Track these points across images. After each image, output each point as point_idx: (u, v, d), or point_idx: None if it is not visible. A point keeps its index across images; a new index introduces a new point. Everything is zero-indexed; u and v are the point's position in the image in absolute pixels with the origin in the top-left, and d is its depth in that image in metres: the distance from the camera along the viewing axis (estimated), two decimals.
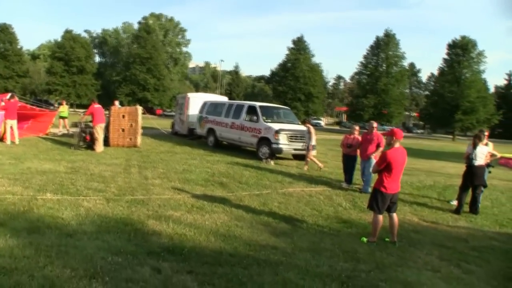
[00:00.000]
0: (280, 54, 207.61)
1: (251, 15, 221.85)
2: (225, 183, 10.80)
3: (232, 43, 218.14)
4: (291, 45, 68.28)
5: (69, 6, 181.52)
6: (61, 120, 22.45)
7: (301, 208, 8.75)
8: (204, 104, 21.14)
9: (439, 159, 24.59)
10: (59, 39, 71.24)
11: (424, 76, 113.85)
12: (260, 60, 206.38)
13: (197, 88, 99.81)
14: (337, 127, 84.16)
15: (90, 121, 15.98)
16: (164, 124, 29.88)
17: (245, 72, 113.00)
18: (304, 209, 8.64)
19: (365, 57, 65.55)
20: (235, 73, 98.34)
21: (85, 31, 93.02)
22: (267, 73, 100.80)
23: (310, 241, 6.48)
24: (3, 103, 15.66)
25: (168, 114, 67.61)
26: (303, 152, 15.55)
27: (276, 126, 15.72)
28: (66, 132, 21.44)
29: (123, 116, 16.78)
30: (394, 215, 6.83)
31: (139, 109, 17.26)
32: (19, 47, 69.94)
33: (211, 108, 20.45)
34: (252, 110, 17.34)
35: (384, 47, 62.66)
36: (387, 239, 6.80)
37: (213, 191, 9.67)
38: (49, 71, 68.25)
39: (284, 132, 15.31)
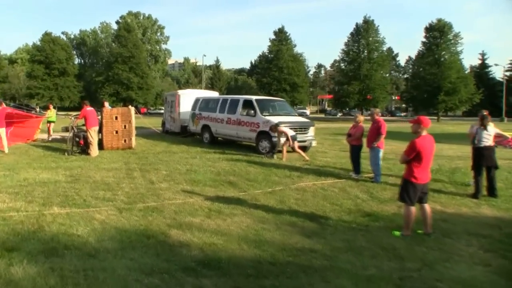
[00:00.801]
0: (258, 46, 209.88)
1: (227, 8, 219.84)
2: (234, 181, 10.40)
3: (209, 37, 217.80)
4: (273, 36, 67.97)
5: (45, 9, 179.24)
6: (48, 125, 21.62)
7: (320, 203, 8.38)
8: (197, 100, 20.67)
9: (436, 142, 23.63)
10: (37, 42, 70.26)
11: (402, 60, 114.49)
12: (239, 53, 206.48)
13: (179, 84, 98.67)
14: (321, 115, 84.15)
15: (83, 125, 15.45)
16: (151, 123, 29.29)
17: (224, 66, 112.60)
18: (323, 204, 8.26)
19: (346, 44, 65.78)
20: (216, 67, 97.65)
21: (63, 32, 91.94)
22: (246, 65, 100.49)
23: (344, 240, 6.10)
24: None
25: (153, 112, 66.96)
26: (305, 144, 15.22)
27: (275, 119, 15.31)
28: (54, 137, 20.79)
29: (116, 118, 16.27)
30: (426, 205, 6.50)
31: (132, 109, 16.75)
32: None
33: (204, 104, 20.00)
34: (248, 104, 16.92)
35: (364, 34, 63.05)
36: (419, 231, 6.45)
37: (225, 192, 9.27)
38: (30, 74, 67.25)
39: (284, 124, 14.88)
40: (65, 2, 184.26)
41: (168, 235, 6.12)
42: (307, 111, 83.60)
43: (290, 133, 14.30)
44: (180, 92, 24.55)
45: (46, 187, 9.21)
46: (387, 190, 9.62)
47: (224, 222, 6.86)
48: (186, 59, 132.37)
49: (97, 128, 15.15)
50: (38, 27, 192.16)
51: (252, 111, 16.32)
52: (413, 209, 6.30)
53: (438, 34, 61.50)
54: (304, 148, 15.23)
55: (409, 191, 6.28)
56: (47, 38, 68.15)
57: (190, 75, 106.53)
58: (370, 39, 62.95)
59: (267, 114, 16.11)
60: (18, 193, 8.49)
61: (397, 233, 6.37)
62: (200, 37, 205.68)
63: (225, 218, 7.10)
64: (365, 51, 63.32)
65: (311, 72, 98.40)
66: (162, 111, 65.22)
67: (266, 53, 69.52)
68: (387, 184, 10.25)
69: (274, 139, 14.86)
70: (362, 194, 9.22)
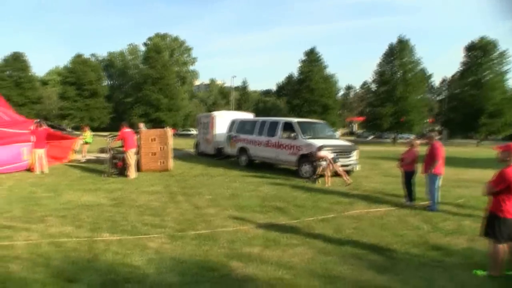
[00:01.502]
0: (284, 67, 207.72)
1: (251, 31, 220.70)
2: (282, 208, 9.94)
3: (235, 59, 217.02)
4: (303, 57, 66.55)
5: (74, 31, 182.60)
6: (85, 146, 21.57)
7: (379, 233, 7.84)
8: (233, 122, 20.37)
9: (483, 167, 21.32)
10: (67, 64, 71.44)
11: (436, 81, 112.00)
12: (264, 74, 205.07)
13: (206, 106, 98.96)
14: (351, 138, 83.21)
15: (121, 146, 15.23)
16: (182, 144, 29.09)
17: (250, 87, 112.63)
18: (384, 235, 7.71)
19: (379, 65, 62.58)
20: (242, 88, 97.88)
21: (92, 55, 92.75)
22: (272, 86, 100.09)
23: (423, 279, 5.56)
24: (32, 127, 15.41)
25: (181, 134, 66.89)
26: (348, 168, 14.74)
27: (317, 142, 14.86)
28: (88, 158, 20.68)
29: (153, 139, 16.04)
30: None
31: (169, 131, 16.49)
32: (30, 74, 69.99)
33: (241, 126, 19.68)
34: (288, 127, 16.51)
35: (398, 54, 59.82)
36: (509, 273, 5.82)
37: (276, 219, 8.81)
38: (62, 96, 68.10)
39: (327, 148, 14.41)
40: (94, 25, 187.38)
41: (230, 268, 5.69)
42: (338, 134, 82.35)
43: (330, 156, 13.84)
44: (215, 113, 24.28)
45: (91, 210, 8.92)
46: (449, 220, 9.01)
47: (284, 253, 6.40)
48: (212, 81, 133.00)
49: (135, 149, 14.91)
50: (67, 50, 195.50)
51: (293, 134, 15.89)
52: (502, 247, 5.70)
53: (481, 53, 58.23)
54: (347, 173, 14.72)
55: (497, 226, 5.65)
56: (78, 60, 69.32)
57: (217, 96, 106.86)
58: (405, 59, 59.53)
59: (309, 137, 15.66)
60: (66, 217, 8.22)
61: (480, 272, 5.76)
62: (225, 59, 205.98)
63: (285, 249, 6.64)
64: (400, 72, 60.04)
65: (340, 94, 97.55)
66: (191, 132, 65.88)
67: (296, 74, 68.44)
68: (446, 213, 9.64)
69: (316, 163, 14.38)
70: (422, 224, 8.63)
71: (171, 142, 16.39)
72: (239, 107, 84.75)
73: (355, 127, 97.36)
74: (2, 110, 16.55)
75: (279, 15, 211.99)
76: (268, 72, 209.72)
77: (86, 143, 21.65)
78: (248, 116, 24.15)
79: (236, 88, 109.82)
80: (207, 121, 24.42)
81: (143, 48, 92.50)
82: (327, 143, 14.79)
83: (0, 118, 15.53)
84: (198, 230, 7.59)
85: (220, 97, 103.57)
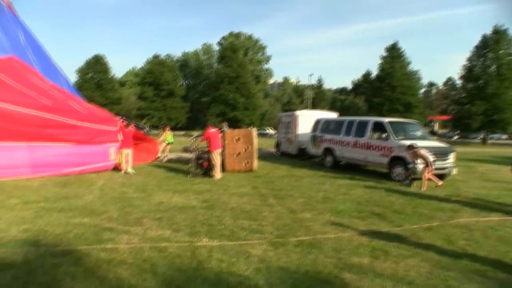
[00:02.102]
0: (358, 64, 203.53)
1: (324, 27, 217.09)
2: (380, 213, 9.32)
3: (307, 57, 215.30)
4: (384, 53, 64.76)
5: (149, 33, 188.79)
6: (167, 146, 21.82)
7: (499, 247, 7.03)
8: (317, 122, 19.85)
9: None
10: (143, 65, 73.38)
11: None
12: (338, 72, 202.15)
13: (281, 104, 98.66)
14: (434, 138, 79.70)
15: (206, 147, 15.13)
16: (261, 144, 28.80)
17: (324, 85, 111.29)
18: (505, 250, 6.90)
19: (469, 59, 57.39)
20: (318, 87, 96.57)
21: (167, 55, 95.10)
22: (346, 84, 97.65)
23: None
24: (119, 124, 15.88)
25: (258, 133, 66.82)
26: (444, 171, 13.85)
27: (410, 143, 14.03)
28: (169, 157, 20.87)
29: (238, 139, 15.82)
30: None
31: (254, 131, 16.21)
32: (110, 76, 72.61)
33: (326, 126, 19.12)
34: (379, 127, 15.75)
35: (493, 46, 53.99)
36: None
37: (377, 225, 8.23)
38: (140, 96, 70.06)
39: (421, 150, 13.58)
40: (168, 26, 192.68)
41: (343, 281, 5.25)
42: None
43: (430, 158, 13.00)
44: (298, 113, 23.75)
45: (185, 213, 8.72)
46: None
47: (398, 266, 5.85)
48: (286, 79, 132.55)
49: (220, 150, 14.73)
50: (143, 51, 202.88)
51: (384, 134, 15.14)
52: None
53: None
54: (441, 177, 13.83)
55: None
56: (156, 60, 71.12)
57: (292, 95, 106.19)
58: (501, 52, 53.74)
59: (401, 137, 14.84)
60: (161, 219, 8.06)
61: None
62: (298, 57, 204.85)
63: (396, 261, 6.08)
64: (493, 66, 54.53)
65: (421, 91, 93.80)
66: (267, 131, 65.84)
67: (376, 71, 66.38)
68: None
69: (410, 165, 13.59)
70: None
71: (256, 142, 16.10)
72: (314, 106, 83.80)
73: (436, 127, 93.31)
74: (87, 106, 16.84)
75: (352, 11, 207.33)
76: (342, 70, 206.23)
77: (168, 143, 21.80)
78: (332, 115, 23.46)
79: (311, 86, 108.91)
80: (289, 120, 24.01)
81: (217, 48, 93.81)
82: (420, 144, 13.89)
83: (91, 114, 15.73)
84: (299, 237, 7.17)
85: (295, 95, 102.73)
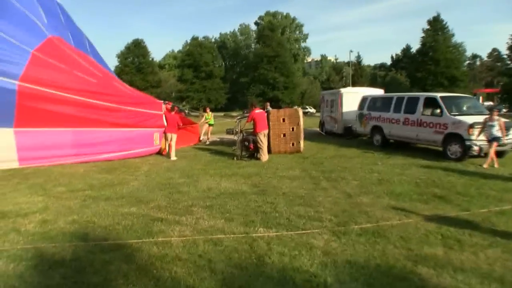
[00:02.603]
0: (396, 39, 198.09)
1: (358, 3, 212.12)
2: (443, 195, 8.62)
3: (343, 34, 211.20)
4: (426, 26, 62.33)
5: (186, 16, 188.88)
6: (209, 128, 21.44)
7: None
8: (364, 99, 19.07)
9: None
10: (181, 48, 73.36)
11: None
12: (376, 48, 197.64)
13: (321, 83, 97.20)
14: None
15: (250, 129, 14.65)
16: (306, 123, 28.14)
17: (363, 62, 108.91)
18: None
19: None
20: (357, 63, 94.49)
21: (204, 37, 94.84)
22: (385, 60, 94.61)
23: None
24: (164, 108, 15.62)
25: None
26: (505, 148, 12.98)
27: (468, 119, 13.16)
28: (212, 140, 20.54)
29: (283, 120, 15.25)
30: None
31: (300, 110, 15.59)
32: (150, 59, 72.96)
33: (373, 104, 18.34)
34: (431, 102, 14.84)
35: None
36: None
37: (442, 209, 7.56)
38: (180, 78, 70.17)
39: (478, 126, 12.71)
40: (204, 8, 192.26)
41: (421, 276, 4.69)
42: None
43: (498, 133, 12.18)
44: (342, 90, 22.86)
45: (236, 199, 8.27)
46: None
47: (477, 258, 5.22)
48: (323, 57, 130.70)
49: (266, 131, 14.22)
50: (180, 34, 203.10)
51: (438, 110, 14.26)
52: None
53: None
54: (501, 154, 12.99)
55: None
56: (195, 42, 71.04)
57: (331, 72, 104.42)
58: None
59: (456, 113, 13.95)
60: (212, 208, 7.63)
61: None
62: (333, 34, 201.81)
63: (474, 251, 5.44)
64: None
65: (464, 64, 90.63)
66: (307, 110, 64.84)
67: (417, 45, 63.99)
68: None
69: (468, 143, 12.76)
70: None
71: (302, 122, 15.50)
72: (353, 83, 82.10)
73: (480, 100, 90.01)
74: (131, 89, 16.52)
75: None
76: (380, 46, 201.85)
77: (210, 125, 21.42)
78: (378, 92, 22.56)
79: (350, 63, 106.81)
80: (333, 98, 23.23)
81: (254, 28, 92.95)
82: (478, 120, 13.01)
83: (135, 97, 15.45)
84: (360, 224, 6.61)
85: (334, 73, 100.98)
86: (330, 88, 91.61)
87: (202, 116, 21.89)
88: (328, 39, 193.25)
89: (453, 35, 62.14)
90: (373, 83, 77.58)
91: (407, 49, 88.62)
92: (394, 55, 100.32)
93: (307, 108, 67.02)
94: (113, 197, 8.57)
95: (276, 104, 53.65)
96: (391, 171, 11.62)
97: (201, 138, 20.32)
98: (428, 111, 14.80)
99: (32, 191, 9.25)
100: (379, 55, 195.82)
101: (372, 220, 6.84)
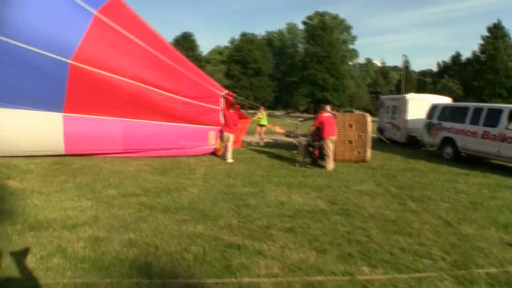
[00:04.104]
0: (441, 45, 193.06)
1: (406, 8, 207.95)
2: None
3: (390, 38, 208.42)
4: (486, 33, 59.24)
5: (230, 13, 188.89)
6: (259, 128, 20.12)
7: None
8: (434, 107, 17.54)
9: None
10: (228, 44, 72.53)
11: None
12: (421, 54, 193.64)
13: (369, 87, 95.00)
14: None
15: (309, 132, 13.55)
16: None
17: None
18: None
19: None
20: (405, 68, 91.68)
21: (251, 34, 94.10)
22: (429, 67, 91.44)
23: None
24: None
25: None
26: None
27: None
28: (266, 141, 19.35)
29: (350, 125, 14.01)
30: None
31: (368, 116, 14.28)
32: (198, 53, 72.51)
33: (444, 113, 16.79)
34: None
35: None
36: None
37: None
38: (227, 74, 69.39)
39: None
40: (250, 6, 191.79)
41: None
42: None
43: None
44: (408, 96, 21.30)
45: (318, 221, 7.01)
46: None
47: None
48: (369, 60, 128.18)
49: (335, 137, 12.91)
50: (226, 30, 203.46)
51: None
52: None
53: None
54: None
55: None
56: (245, 38, 70.07)
57: (378, 77, 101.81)
58: None
59: None
60: (294, 231, 6.38)
61: None
62: (377, 38, 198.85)
63: None
64: None
65: None
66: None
67: (478, 52, 60.93)
68: None
69: None
70: None
71: (371, 129, 14.20)
72: (399, 89, 79.55)
73: None
74: (191, 68, 14.68)
75: None
76: (424, 52, 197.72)
77: (262, 125, 20.08)
78: (445, 100, 20.90)
79: (395, 68, 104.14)
80: (396, 104, 21.73)
81: (301, 27, 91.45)
82: None
83: (193, 84, 13.85)
84: (482, 267, 5.30)
85: (381, 77, 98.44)
86: (376, 92, 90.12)
87: (257, 114, 20.33)
88: (373, 42, 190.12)
89: None
90: (420, 90, 75.00)
91: (457, 56, 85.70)
92: (441, 62, 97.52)
93: (355, 112, 64.99)
94: (172, 208, 7.42)
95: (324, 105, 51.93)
96: (479, 192, 10.21)
97: (257, 141, 19.18)
98: None
99: (79, 193, 8.20)
100: (423, 61, 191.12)
101: (494, 262, 5.51)
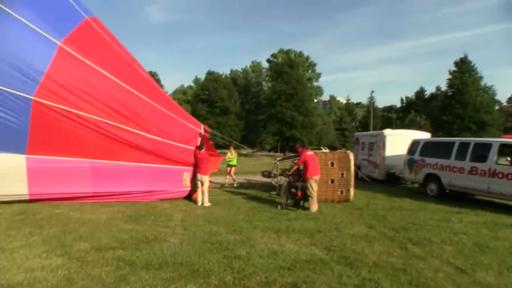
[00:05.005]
0: (406, 82, 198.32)
1: (370, 45, 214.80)
2: None
3: (351, 75, 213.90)
4: (453, 68, 60.35)
5: (194, 52, 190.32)
6: (229, 168, 19.07)
7: None
8: (415, 143, 17.13)
9: None
10: (191, 84, 72.01)
11: None
12: (384, 90, 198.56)
13: (335, 124, 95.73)
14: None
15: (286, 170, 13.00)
16: None
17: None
18: None
19: None
20: (371, 104, 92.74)
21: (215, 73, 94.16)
22: (394, 102, 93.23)
23: None
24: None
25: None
26: None
27: None
28: (239, 181, 18.57)
29: (332, 164, 13.36)
30: None
31: (350, 154, 13.69)
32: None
33: (427, 148, 16.38)
34: (508, 149, 12.97)
35: None
36: None
37: None
38: (194, 114, 68.65)
39: None
40: (214, 45, 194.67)
41: None
42: None
43: None
44: (386, 132, 20.87)
45: (321, 273, 6.24)
46: None
47: None
48: (332, 97, 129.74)
49: (318, 177, 12.21)
50: (189, 70, 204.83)
51: None
52: None
53: None
54: None
55: None
56: (210, 77, 69.66)
57: (343, 113, 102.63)
58: None
59: None
60: (298, 287, 5.59)
61: None
62: (338, 75, 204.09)
63: None
64: None
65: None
66: (323, 150, 62.21)
67: (443, 88, 62.01)
68: None
69: None
70: None
71: (353, 167, 13.59)
72: (365, 125, 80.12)
73: None
74: (165, 99, 14.09)
75: (396, 28, 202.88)
76: (387, 87, 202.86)
77: (232, 165, 19.11)
78: (424, 135, 20.60)
79: (359, 105, 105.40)
80: (373, 141, 21.30)
81: (266, 65, 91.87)
82: None
83: (167, 119, 13.08)
84: None
85: (346, 113, 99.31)
86: (342, 128, 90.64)
87: (227, 154, 19.30)
88: (335, 79, 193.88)
89: (481, 77, 59.94)
90: (387, 125, 75.61)
91: (421, 92, 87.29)
92: (404, 98, 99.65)
93: (322, 149, 64.90)
94: (154, 263, 6.50)
95: (293, 144, 51.50)
96: (477, 232, 9.69)
97: (229, 182, 18.38)
98: (503, 160, 12.89)
99: (48, 248, 7.20)
100: (387, 97, 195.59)
101: None
